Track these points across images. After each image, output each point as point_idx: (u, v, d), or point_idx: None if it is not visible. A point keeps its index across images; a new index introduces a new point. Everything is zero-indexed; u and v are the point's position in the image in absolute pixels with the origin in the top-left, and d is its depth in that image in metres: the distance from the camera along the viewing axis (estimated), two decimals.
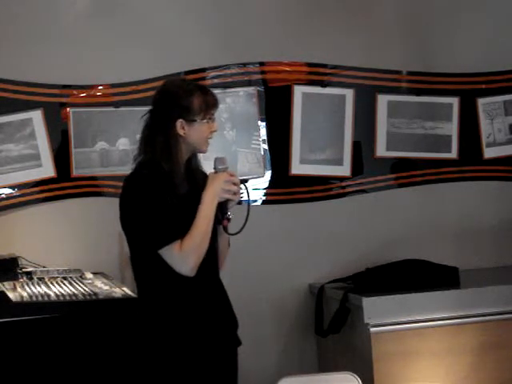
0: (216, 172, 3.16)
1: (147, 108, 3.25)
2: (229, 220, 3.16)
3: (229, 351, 3.22)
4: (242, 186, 3.19)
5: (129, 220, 3.12)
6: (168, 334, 3.10)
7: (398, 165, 4.88)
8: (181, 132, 3.12)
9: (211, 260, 3.18)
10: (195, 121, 3.13)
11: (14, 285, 3.68)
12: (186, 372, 3.10)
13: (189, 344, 3.10)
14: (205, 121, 3.15)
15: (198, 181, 3.18)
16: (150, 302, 3.14)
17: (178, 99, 3.13)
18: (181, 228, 3.05)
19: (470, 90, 4.94)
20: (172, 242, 3.04)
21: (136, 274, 3.19)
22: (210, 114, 3.17)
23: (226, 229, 3.17)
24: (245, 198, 3.27)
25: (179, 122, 3.12)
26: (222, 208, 3.14)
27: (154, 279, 3.11)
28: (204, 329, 3.12)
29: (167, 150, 3.11)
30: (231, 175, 3.15)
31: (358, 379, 3.62)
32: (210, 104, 3.16)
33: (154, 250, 3.05)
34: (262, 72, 4.72)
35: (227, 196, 3.13)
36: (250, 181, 4.68)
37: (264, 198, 4.72)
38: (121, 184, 3.19)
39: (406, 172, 4.89)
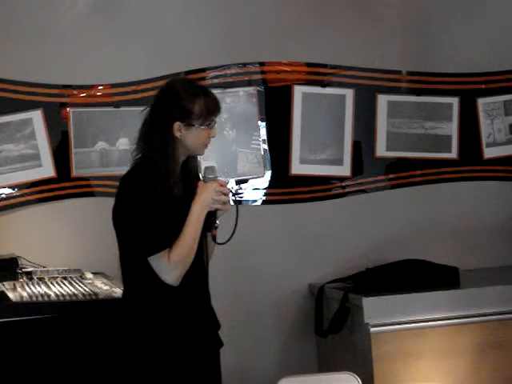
0: (206, 181, 3.10)
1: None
2: (216, 228, 3.12)
3: (210, 353, 3.18)
4: (231, 195, 3.15)
5: (121, 222, 3.10)
6: (148, 336, 3.07)
7: (398, 165, 4.88)
8: (177, 134, 3.08)
9: (199, 265, 3.14)
10: (193, 125, 3.09)
11: (14, 285, 3.68)
12: (169, 374, 3.07)
13: (169, 346, 3.06)
14: (203, 127, 3.10)
15: (192, 183, 3.14)
16: (134, 304, 3.11)
17: (179, 101, 3.08)
18: (172, 235, 3.03)
19: (470, 90, 4.94)
20: (161, 250, 3.01)
21: (123, 274, 3.16)
22: (210, 120, 3.12)
23: (214, 238, 3.12)
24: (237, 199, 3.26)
25: (177, 125, 3.07)
26: (210, 217, 3.09)
27: (141, 281, 3.07)
28: (184, 331, 3.09)
29: (164, 149, 3.08)
30: (221, 185, 3.10)
31: (358, 379, 3.62)
32: (212, 110, 3.11)
33: (143, 256, 3.03)
34: (262, 72, 4.72)
35: (217, 206, 3.08)
36: (250, 181, 4.69)
37: (264, 198, 4.72)
38: None
39: (405, 172, 4.89)
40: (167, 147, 3.08)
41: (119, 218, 3.11)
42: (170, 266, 3.01)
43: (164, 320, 3.08)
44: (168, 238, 3.02)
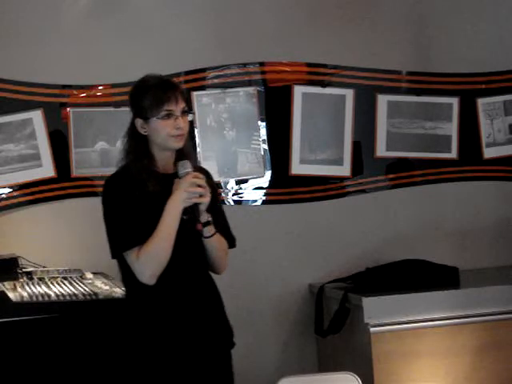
0: (180, 177, 3.06)
1: None
2: (206, 224, 3.05)
3: (219, 354, 3.15)
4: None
5: (104, 222, 3.12)
6: (147, 336, 3.06)
7: (398, 165, 4.88)
8: (141, 131, 3.09)
9: (196, 263, 3.13)
10: (149, 118, 3.07)
11: (14, 285, 3.69)
12: (168, 374, 3.06)
13: (167, 346, 3.05)
14: (155, 117, 3.06)
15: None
16: (134, 304, 3.11)
17: (134, 97, 3.13)
18: (147, 234, 3.01)
19: (470, 90, 4.94)
20: (130, 247, 3.01)
21: (121, 273, 3.16)
22: (165, 111, 3.06)
23: (201, 233, 3.06)
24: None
25: (137, 121, 3.10)
26: (193, 212, 3.04)
27: (135, 281, 3.06)
28: (190, 332, 3.07)
29: (133, 150, 3.10)
30: (194, 177, 3.05)
31: (358, 379, 3.62)
32: (161, 100, 3.05)
33: (116, 254, 3.06)
34: (262, 72, 4.72)
35: (194, 200, 3.02)
36: (250, 181, 4.69)
37: (264, 198, 4.72)
38: None
39: (405, 172, 4.89)
40: (135, 147, 3.10)
41: (103, 220, 3.13)
42: (140, 264, 3.00)
43: (160, 320, 3.06)
44: (141, 235, 3.01)
